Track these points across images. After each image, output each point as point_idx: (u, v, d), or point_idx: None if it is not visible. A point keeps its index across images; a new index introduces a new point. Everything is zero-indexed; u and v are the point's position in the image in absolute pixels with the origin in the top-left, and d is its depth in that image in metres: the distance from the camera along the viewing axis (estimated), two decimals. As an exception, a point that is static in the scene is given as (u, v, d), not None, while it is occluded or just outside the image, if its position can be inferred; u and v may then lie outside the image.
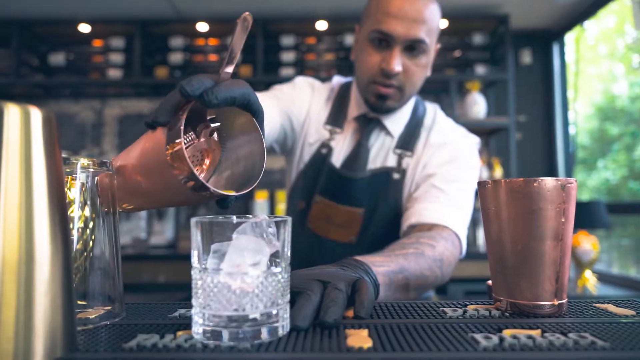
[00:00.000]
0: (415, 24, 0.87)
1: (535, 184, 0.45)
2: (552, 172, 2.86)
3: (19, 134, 0.34)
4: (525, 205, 0.45)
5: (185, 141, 0.48)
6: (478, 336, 0.38)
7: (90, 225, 0.50)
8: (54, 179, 0.36)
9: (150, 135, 0.44)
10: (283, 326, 0.39)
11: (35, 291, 0.34)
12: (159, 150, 0.41)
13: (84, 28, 2.75)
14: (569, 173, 2.86)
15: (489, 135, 2.87)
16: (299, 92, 1.05)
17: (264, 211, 2.59)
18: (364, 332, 0.40)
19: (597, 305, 0.50)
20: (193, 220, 0.39)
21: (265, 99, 0.94)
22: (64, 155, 0.45)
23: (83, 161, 0.46)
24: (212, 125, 0.48)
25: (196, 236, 0.39)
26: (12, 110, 0.34)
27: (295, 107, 1.03)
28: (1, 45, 2.85)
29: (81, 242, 0.50)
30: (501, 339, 0.37)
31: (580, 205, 2.21)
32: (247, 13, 0.44)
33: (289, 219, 0.42)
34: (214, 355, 0.35)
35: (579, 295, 2.06)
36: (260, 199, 2.63)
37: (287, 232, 0.41)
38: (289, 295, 0.41)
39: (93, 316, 0.46)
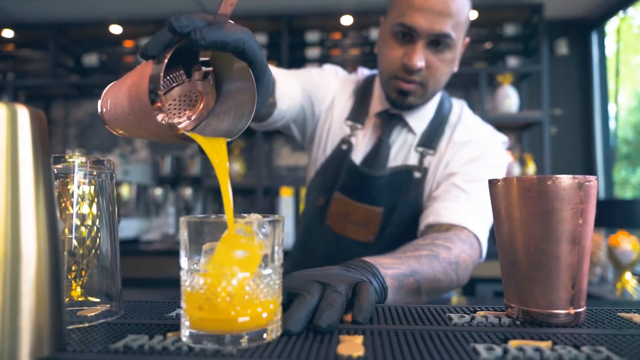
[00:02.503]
0: (440, 18, 0.83)
1: (549, 182, 0.41)
2: (590, 168, 2.73)
3: (5, 132, 0.34)
4: (539, 205, 0.42)
5: (175, 80, 0.46)
6: (480, 347, 0.35)
7: (97, 223, 0.50)
8: (41, 177, 0.36)
9: (141, 67, 0.42)
10: (273, 330, 0.38)
11: (21, 290, 0.34)
12: (144, 86, 0.40)
13: (115, 29, 2.83)
14: (608, 169, 2.72)
15: (522, 130, 2.76)
16: (326, 80, 1.03)
17: (289, 208, 2.59)
18: (358, 339, 0.38)
19: (622, 314, 0.46)
20: (182, 219, 0.38)
21: (290, 76, 0.92)
22: (57, 155, 0.45)
23: (81, 159, 0.46)
24: (204, 68, 0.46)
25: (184, 236, 0.38)
26: (-2, 109, 0.34)
27: (320, 91, 1.01)
28: (39, 48, 2.96)
29: (89, 239, 0.50)
30: (505, 351, 0.34)
31: (621, 204, 2.09)
32: None
33: (282, 218, 0.40)
34: (198, 359, 0.34)
35: (618, 298, 1.95)
36: (286, 195, 2.63)
37: (279, 232, 0.39)
38: (281, 298, 0.40)
39: (92, 314, 0.46)
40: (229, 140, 0.45)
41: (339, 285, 0.46)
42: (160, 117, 0.40)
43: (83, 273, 0.50)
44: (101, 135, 3.04)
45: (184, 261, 0.38)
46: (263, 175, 2.73)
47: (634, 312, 0.46)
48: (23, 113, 0.35)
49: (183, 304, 0.37)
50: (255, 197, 2.61)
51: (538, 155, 2.59)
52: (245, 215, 0.42)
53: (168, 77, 0.45)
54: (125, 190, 2.59)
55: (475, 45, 2.71)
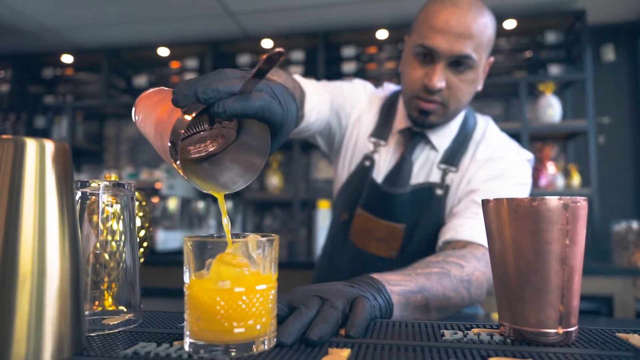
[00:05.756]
0: (460, 39, 0.85)
1: (534, 203, 0.42)
2: (643, 178, 2.58)
3: (35, 163, 0.40)
4: (526, 226, 0.43)
5: (198, 126, 0.48)
6: (458, 363, 0.37)
7: (122, 238, 0.56)
8: (64, 202, 0.41)
9: (169, 105, 0.44)
10: (264, 341, 0.41)
11: (45, 300, 0.39)
12: (167, 133, 0.43)
13: (163, 51, 3.00)
14: (663, 180, 2.55)
15: (567, 140, 2.66)
16: (355, 94, 1.07)
17: (326, 220, 2.62)
18: (345, 352, 0.40)
19: (619, 334, 0.45)
20: (186, 238, 0.42)
21: (320, 89, 0.95)
22: (83, 180, 0.51)
23: (105, 183, 0.52)
24: (226, 122, 0.48)
25: (187, 254, 0.42)
26: (29, 144, 0.40)
27: (348, 105, 1.05)
28: (93, 71, 3.19)
29: (117, 253, 0.56)
30: (481, 368, 0.36)
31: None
32: (282, 50, 0.41)
33: (276, 237, 0.43)
34: (193, 366, 0.37)
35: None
36: (323, 208, 2.66)
37: (274, 250, 0.43)
38: (275, 311, 0.43)
39: (114, 322, 0.51)
40: (224, 192, 0.48)
41: (337, 301, 0.48)
42: (175, 162, 0.43)
43: (113, 285, 0.56)
44: (150, 151, 3.22)
45: (186, 276, 0.42)
46: (301, 188, 2.78)
47: (633, 333, 0.45)
48: (50, 147, 0.41)
49: (185, 316, 0.41)
50: (293, 209, 2.67)
51: (584, 166, 2.49)
52: (247, 233, 0.45)
53: (193, 122, 0.47)
54: (172, 204, 2.72)
55: (515, 54, 2.65)
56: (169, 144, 0.42)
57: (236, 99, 0.43)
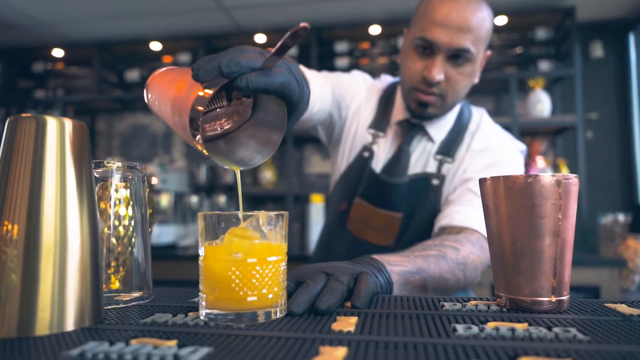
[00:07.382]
0: (460, 33, 0.86)
1: (529, 180, 0.45)
2: (629, 173, 2.64)
3: (55, 141, 0.41)
4: (521, 202, 0.45)
5: (217, 102, 0.48)
6: (459, 326, 0.39)
7: (132, 223, 0.57)
8: (84, 178, 0.43)
9: (190, 82, 0.44)
10: (276, 310, 0.43)
11: (67, 272, 0.41)
12: (186, 108, 0.43)
13: (155, 46, 2.99)
14: (648, 174, 2.62)
15: (556, 135, 2.71)
16: (355, 86, 1.08)
17: (319, 214, 2.65)
18: (353, 319, 0.42)
19: (608, 304, 0.48)
20: (200, 214, 0.44)
21: (322, 79, 0.96)
22: (97, 161, 0.52)
23: (117, 164, 0.54)
24: (244, 98, 0.49)
25: (201, 228, 0.44)
26: (50, 122, 0.41)
27: (348, 97, 1.06)
28: (85, 65, 3.18)
29: (126, 238, 0.58)
30: (481, 330, 0.38)
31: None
32: (307, 25, 0.40)
33: (286, 213, 0.46)
34: (210, 330, 0.39)
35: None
36: (316, 202, 2.69)
37: (284, 225, 0.45)
38: (285, 282, 0.45)
39: (127, 298, 0.53)
40: (242, 168, 0.49)
41: (342, 275, 0.51)
42: (195, 137, 0.44)
43: (121, 269, 0.57)
44: (142, 146, 3.21)
45: (201, 250, 0.44)
46: (294, 183, 2.80)
47: (622, 303, 0.48)
48: (69, 125, 0.43)
49: (201, 287, 0.43)
50: (286, 203, 2.69)
51: (572, 160, 2.54)
52: (256, 212, 0.48)
53: (211, 98, 0.46)
54: (164, 199, 2.72)
55: (505, 50, 2.70)
56: (189, 120, 0.43)
57: (259, 74, 0.43)
